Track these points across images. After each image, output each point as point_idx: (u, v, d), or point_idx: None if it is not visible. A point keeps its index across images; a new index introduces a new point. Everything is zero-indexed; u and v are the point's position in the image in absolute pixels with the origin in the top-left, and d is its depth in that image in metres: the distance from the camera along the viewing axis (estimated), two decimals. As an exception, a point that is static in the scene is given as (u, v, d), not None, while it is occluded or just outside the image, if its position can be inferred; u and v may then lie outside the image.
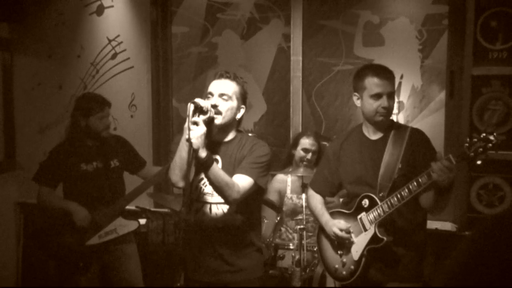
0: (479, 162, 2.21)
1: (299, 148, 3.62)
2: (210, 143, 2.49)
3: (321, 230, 2.80)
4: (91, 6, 4.43)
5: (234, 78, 2.60)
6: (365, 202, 2.56)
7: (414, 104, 3.80)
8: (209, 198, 2.59)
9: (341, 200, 3.18)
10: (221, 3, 4.22)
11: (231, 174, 2.48)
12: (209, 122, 2.42)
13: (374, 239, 2.51)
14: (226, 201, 2.49)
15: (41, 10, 4.56)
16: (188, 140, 2.29)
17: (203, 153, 2.33)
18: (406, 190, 2.39)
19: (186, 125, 2.32)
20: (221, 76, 2.59)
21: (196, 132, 2.30)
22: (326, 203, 2.84)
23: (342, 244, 2.64)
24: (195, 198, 2.61)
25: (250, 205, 2.57)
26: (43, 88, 4.64)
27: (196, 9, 4.30)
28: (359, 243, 2.57)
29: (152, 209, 4.13)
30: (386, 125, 2.59)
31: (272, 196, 3.71)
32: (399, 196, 2.42)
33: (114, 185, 3.43)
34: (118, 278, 3.47)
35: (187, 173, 2.39)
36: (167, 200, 3.69)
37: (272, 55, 4.14)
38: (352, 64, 3.91)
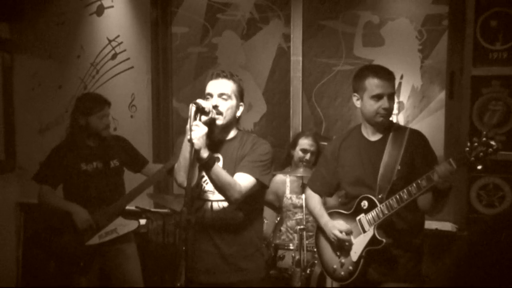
0: (479, 167, 2.19)
1: (298, 148, 3.62)
2: (212, 142, 2.49)
3: (319, 230, 2.79)
4: (91, 7, 4.43)
5: (230, 76, 2.60)
6: (364, 204, 2.55)
7: (414, 104, 3.80)
8: (210, 196, 2.59)
9: (339, 200, 3.18)
10: (221, 3, 4.23)
11: (232, 172, 2.48)
12: (210, 123, 2.43)
13: (373, 240, 2.50)
14: (228, 201, 2.49)
15: (41, 10, 4.57)
16: (190, 140, 2.30)
17: (204, 154, 2.34)
18: (406, 193, 2.38)
19: (188, 126, 2.33)
20: (217, 76, 2.58)
21: (197, 133, 2.31)
22: (323, 204, 2.84)
23: (341, 245, 2.63)
24: (196, 196, 2.61)
25: (251, 203, 2.56)
26: (43, 88, 4.64)
27: (196, 10, 4.30)
28: (358, 244, 2.56)
29: (152, 209, 4.13)
30: (386, 126, 2.58)
31: (271, 196, 3.71)
32: (398, 198, 2.41)
33: (114, 185, 3.43)
34: (117, 278, 3.47)
35: (189, 173, 2.39)
36: (167, 201, 3.69)
37: (272, 56, 4.14)
38: (352, 64, 3.91)
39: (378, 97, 2.49)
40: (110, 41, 4.40)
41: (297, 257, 3.27)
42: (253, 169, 2.50)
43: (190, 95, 4.32)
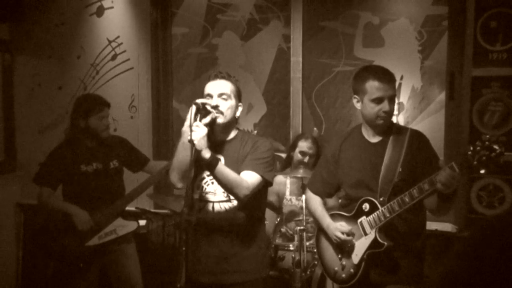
0: (482, 171, 2.17)
1: (297, 150, 3.62)
2: (213, 143, 2.50)
3: (320, 232, 2.78)
4: (91, 7, 4.43)
5: (228, 77, 2.63)
6: (366, 206, 2.53)
7: (414, 105, 3.80)
8: (211, 197, 2.59)
9: (340, 201, 3.17)
10: (221, 4, 4.23)
11: (235, 172, 2.48)
12: (211, 123, 2.44)
13: (374, 243, 2.49)
14: (237, 198, 2.49)
15: (41, 11, 4.57)
16: (191, 141, 2.30)
17: (207, 154, 2.34)
18: (408, 196, 2.36)
19: (184, 128, 2.34)
20: (215, 77, 2.61)
21: (198, 133, 2.31)
22: (324, 204, 2.83)
23: (343, 247, 2.62)
24: (197, 197, 2.61)
25: (253, 203, 2.56)
26: (43, 89, 4.64)
27: (196, 10, 4.30)
28: (359, 247, 2.55)
29: (152, 210, 4.13)
30: (386, 128, 2.56)
31: (271, 197, 3.71)
32: (400, 201, 2.39)
33: (113, 186, 3.43)
34: (117, 279, 3.47)
35: (189, 174, 2.39)
36: (167, 201, 3.68)
37: (272, 56, 4.14)
38: (352, 65, 3.91)
39: (378, 100, 2.46)
40: (110, 42, 4.40)
41: (297, 257, 3.27)
42: (257, 166, 2.51)
43: (190, 96, 4.32)
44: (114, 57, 4.41)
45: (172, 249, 4.10)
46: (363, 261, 2.52)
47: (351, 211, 2.61)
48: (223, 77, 2.61)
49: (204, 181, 2.60)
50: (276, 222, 3.73)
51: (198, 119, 2.38)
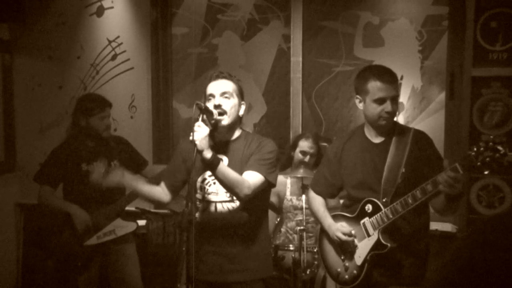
0: (486, 172, 2.15)
1: (297, 150, 3.61)
2: (217, 143, 2.50)
3: (322, 233, 2.76)
4: (91, 7, 4.43)
5: (229, 76, 2.62)
6: (369, 207, 2.52)
7: (414, 105, 3.80)
8: (213, 197, 2.59)
9: (341, 201, 3.17)
10: (221, 4, 4.23)
11: (240, 172, 2.48)
12: (215, 123, 2.44)
13: (377, 245, 2.48)
14: (238, 198, 2.49)
15: (41, 11, 4.57)
16: (193, 141, 2.30)
17: (208, 154, 2.34)
18: (411, 197, 2.35)
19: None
20: (217, 77, 2.59)
21: (200, 134, 2.31)
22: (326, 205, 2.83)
23: (345, 248, 2.61)
24: (200, 198, 2.61)
25: (256, 203, 2.56)
26: (43, 89, 4.64)
27: (196, 10, 4.30)
28: (362, 248, 2.54)
29: (152, 210, 4.12)
30: (389, 128, 2.55)
31: (272, 197, 3.71)
32: (403, 203, 2.37)
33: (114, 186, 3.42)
34: (117, 279, 3.47)
35: (192, 172, 2.40)
36: (167, 201, 3.68)
37: (272, 56, 4.14)
38: (352, 65, 3.91)
39: (381, 101, 2.44)
40: (110, 41, 4.40)
41: (297, 257, 3.27)
42: (260, 167, 2.51)
43: (190, 96, 4.32)
44: (114, 57, 4.41)
45: (172, 249, 4.09)
46: (366, 263, 2.51)
47: (353, 212, 2.60)
48: (224, 77, 2.60)
49: (206, 181, 2.60)
50: (276, 222, 3.73)
51: (200, 119, 2.38)
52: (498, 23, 3.40)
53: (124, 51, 4.37)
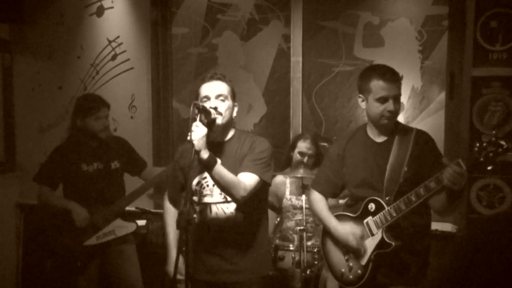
0: (489, 168, 2.15)
1: (296, 151, 3.61)
2: (210, 144, 2.51)
3: (325, 233, 2.75)
4: (91, 7, 4.43)
5: (223, 78, 2.63)
6: (372, 206, 2.52)
7: (414, 105, 3.80)
8: (208, 199, 2.60)
9: (340, 201, 3.17)
10: (221, 4, 4.22)
11: (234, 172, 2.49)
12: (211, 123, 2.44)
13: (381, 244, 2.47)
14: (234, 200, 2.50)
15: (41, 11, 4.57)
16: (190, 141, 2.31)
17: (205, 154, 2.35)
18: (414, 195, 2.35)
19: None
20: (211, 78, 2.60)
21: (198, 133, 2.32)
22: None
23: (356, 252, 2.58)
24: (196, 200, 2.62)
25: (252, 202, 2.56)
26: (43, 89, 4.64)
27: (196, 10, 4.30)
28: (366, 247, 2.53)
29: (152, 210, 4.13)
30: (391, 128, 2.55)
31: (271, 198, 3.71)
32: (407, 200, 2.38)
33: (114, 186, 3.43)
34: (117, 279, 3.47)
35: (189, 174, 2.40)
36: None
37: (272, 56, 4.14)
38: (352, 65, 3.91)
39: (383, 100, 2.45)
40: (110, 42, 4.40)
41: (297, 257, 3.27)
42: (255, 167, 2.52)
43: (190, 96, 4.32)
44: (114, 57, 4.40)
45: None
46: (371, 262, 2.51)
47: (356, 211, 2.59)
48: (218, 78, 2.61)
49: (200, 184, 2.61)
50: (276, 222, 3.73)
51: (198, 119, 2.39)
52: (498, 23, 3.40)
53: (124, 51, 4.37)
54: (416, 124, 3.72)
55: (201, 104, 2.46)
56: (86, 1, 4.44)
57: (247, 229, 2.62)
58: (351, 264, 2.60)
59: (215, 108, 2.49)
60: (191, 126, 2.33)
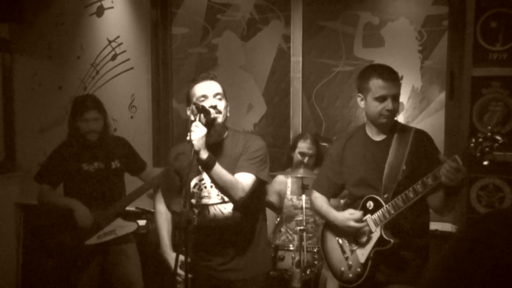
0: (485, 163, 2.16)
1: (296, 151, 3.62)
2: (206, 145, 2.51)
3: (325, 231, 2.76)
4: (91, 7, 4.43)
5: (215, 78, 2.63)
6: (370, 204, 2.53)
7: (414, 105, 3.80)
8: (206, 200, 2.60)
9: (342, 201, 3.17)
10: (221, 4, 4.22)
11: (230, 173, 2.49)
12: (210, 123, 2.44)
13: (380, 241, 2.49)
14: (232, 201, 2.50)
15: (41, 10, 4.57)
16: (190, 141, 2.31)
17: (204, 154, 2.34)
18: (412, 191, 2.37)
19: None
20: (205, 78, 2.59)
21: (197, 133, 2.32)
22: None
23: (360, 236, 2.57)
24: (194, 202, 2.62)
25: (249, 201, 2.56)
26: (43, 89, 4.64)
27: (196, 10, 4.30)
28: (365, 245, 2.54)
29: (152, 210, 4.12)
30: (390, 127, 2.57)
31: (272, 197, 3.71)
32: (404, 197, 2.39)
33: (114, 186, 3.43)
34: (118, 278, 3.48)
35: (189, 174, 2.40)
36: (167, 201, 3.68)
37: (272, 56, 4.14)
38: (352, 65, 3.91)
39: (382, 99, 2.47)
40: (110, 42, 4.40)
41: (297, 258, 3.27)
42: (250, 166, 2.52)
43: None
44: (114, 57, 4.40)
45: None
46: (370, 260, 2.52)
47: (355, 209, 2.60)
48: (212, 78, 2.61)
49: (198, 186, 2.61)
50: (276, 222, 3.73)
51: (197, 119, 2.38)
52: (498, 23, 3.39)
53: (124, 51, 4.37)
54: (416, 124, 3.71)
55: (200, 103, 2.45)
56: (86, 1, 4.44)
57: (245, 228, 2.62)
58: (350, 262, 2.61)
59: (215, 107, 2.49)
60: (190, 126, 2.33)
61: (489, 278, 0.80)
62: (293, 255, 3.34)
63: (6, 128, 4.68)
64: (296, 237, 3.44)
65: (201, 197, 2.60)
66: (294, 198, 3.65)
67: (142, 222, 3.72)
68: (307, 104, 4.07)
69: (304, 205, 3.33)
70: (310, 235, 3.48)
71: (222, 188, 2.44)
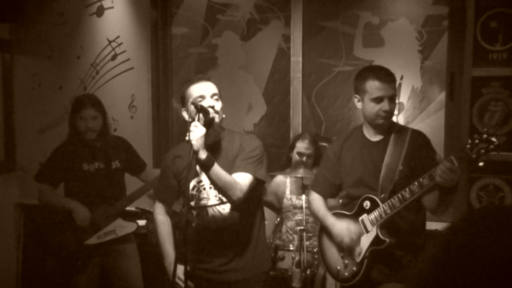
0: (481, 164, 2.19)
1: (295, 151, 3.62)
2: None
3: (322, 231, 2.78)
4: (91, 7, 4.43)
5: (210, 79, 2.63)
6: (367, 204, 2.55)
7: (414, 105, 3.80)
8: (205, 202, 2.60)
9: (340, 201, 3.17)
10: (221, 4, 4.22)
11: (227, 173, 2.48)
12: (209, 123, 2.44)
13: (376, 240, 2.51)
14: (231, 201, 2.50)
15: (41, 10, 4.57)
16: (189, 141, 2.31)
17: (203, 155, 2.34)
18: (408, 191, 2.38)
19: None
20: (201, 79, 2.60)
21: (196, 134, 2.31)
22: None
23: (350, 249, 2.61)
24: (193, 205, 2.62)
25: (247, 201, 2.56)
26: (43, 89, 4.64)
27: (196, 10, 4.30)
28: (361, 244, 2.56)
29: (152, 210, 4.12)
30: (387, 127, 2.59)
31: (272, 197, 3.71)
32: (400, 197, 2.41)
33: (115, 186, 3.43)
34: (118, 278, 3.48)
35: (189, 174, 2.40)
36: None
37: (272, 56, 4.14)
38: (352, 65, 3.90)
39: (378, 100, 2.49)
40: (110, 42, 4.40)
41: (297, 257, 3.27)
42: (247, 166, 2.52)
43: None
44: (114, 57, 4.40)
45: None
46: (366, 259, 2.54)
47: (352, 209, 2.62)
48: (208, 79, 2.61)
49: (197, 188, 2.61)
50: (276, 222, 3.73)
51: (196, 119, 2.38)
52: (498, 23, 3.40)
53: (124, 51, 4.37)
54: (416, 124, 3.72)
55: (199, 103, 2.45)
56: (86, 1, 4.44)
57: (244, 228, 2.62)
58: (346, 261, 2.63)
59: (213, 107, 2.49)
60: (189, 126, 2.33)
61: (485, 276, 0.78)
62: (293, 255, 3.34)
63: (6, 128, 4.68)
64: (296, 237, 3.44)
65: (199, 199, 2.60)
66: (294, 198, 3.65)
67: (142, 222, 3.72)
68: (307, 104, 4.07)
69: (304, 205, 3.33)
70: (310, 235, 3.48)
71: (221, 188, 2.44)
